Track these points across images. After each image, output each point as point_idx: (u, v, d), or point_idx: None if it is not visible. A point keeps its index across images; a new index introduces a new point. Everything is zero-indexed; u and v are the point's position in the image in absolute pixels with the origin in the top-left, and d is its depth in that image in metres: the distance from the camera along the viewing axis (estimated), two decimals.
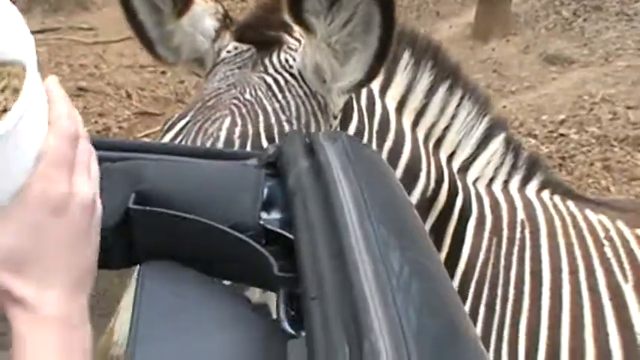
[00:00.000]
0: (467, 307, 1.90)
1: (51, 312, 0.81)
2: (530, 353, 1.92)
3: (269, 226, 0.94)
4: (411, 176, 1.90)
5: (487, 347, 1.88)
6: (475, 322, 1.90)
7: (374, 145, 1.83)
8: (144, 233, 0.92)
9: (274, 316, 0.84)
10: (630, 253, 2.03)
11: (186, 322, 0.84)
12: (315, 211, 0.88)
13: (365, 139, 1.80)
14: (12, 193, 0.81)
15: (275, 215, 0.96)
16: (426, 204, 1.91)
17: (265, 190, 0.98)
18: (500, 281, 1.95)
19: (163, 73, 8.42)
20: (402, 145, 1.90)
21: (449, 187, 1.95)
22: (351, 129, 1.79)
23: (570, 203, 2.12)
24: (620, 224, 2.08)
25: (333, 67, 1.67)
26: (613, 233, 2.06)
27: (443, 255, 1.93)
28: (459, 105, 2.01)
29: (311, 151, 1.00)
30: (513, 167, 2.12)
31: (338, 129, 1.74)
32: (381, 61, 1.65)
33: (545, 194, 2.12)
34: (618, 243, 2.04)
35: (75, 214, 0.85)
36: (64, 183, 0.83)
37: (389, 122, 1.90)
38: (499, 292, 1.95)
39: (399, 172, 1.88)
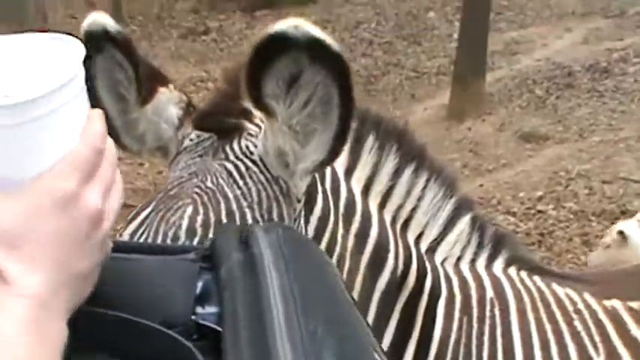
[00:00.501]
0: None
1: (31, 292, 0.81)
2: None
3: (201, 321, 0.93)
4: (379, 258, 1.89)
5: None
6: None
7: (340, 229, 1.83)
8: (74, 330, 0.91)
9: None
10: (599, 324, 2.03)
11: None
12: (243, 303, 0.87)
13: (331, 222, 1.80)
14: (31, 177, 0.83)
15: (210, 309, 0.94)
16: (395, 285, 1.90)
17: (200, 284, 0.97)
18: None
19: (141, 164, 8.41)
20: (369, 227, 1.89)
21: (418, 268, 1.94)
22: (316, 212, 1.78)
23: (537, 278, 2.11)
24: (587, 296, 2.08)
25: (295, 149, 1.66)
26: (581, 306, 2.06)
27: (415, 335, 1.91)
28: (425, 187, 2.00)
29: (245, 244, 1.00)
30: (479, 246, 2.11)
31: (303, 213, 1.74)
32: (343, 140, 1.62)
33: (512, 271, 2.11)
34: (587, 315, 2.04)
35: (76, 218, 0.85)
36: (74, 183, 0.85)
37: (355, 205, 1.89)
38: None
39: (366, 255, 1.88)
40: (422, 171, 2.00)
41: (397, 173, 1.97)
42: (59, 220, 0.84)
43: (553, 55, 12.51)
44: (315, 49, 1.48)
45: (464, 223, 2.08)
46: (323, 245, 1.78)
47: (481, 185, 8.45)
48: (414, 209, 2.01)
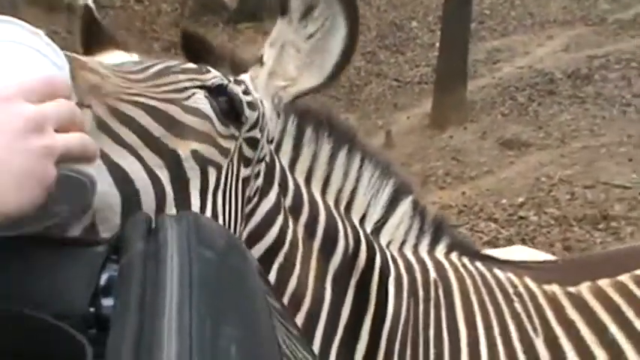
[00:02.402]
0: None
1: None
2: None
3: (102, 312, 0.90)
4: (331, 241, 1.92)
5: None
6: None
7: (290, 223, 1.86)
8: None
9: None
10: (538, 307, 2.06)
11: None
12: (137, 293, 0.84)
13: (280, 218, 1.83)
14: None
15: (111, 301, 0.92)
16: (348, 264, 1.93)
17: (105, 276, 0.94)
18: (421, 340, 1.96)
19: None
20: (317, 214, 1.93)
21: (367, 248, 1.98)
22: (265, 206, 1.81)
23: (479, 263, 2.15)
24: (528, 280, 2.12)
25: (296, 69, 1.78)
26: (521, 289, 2.09)
27: (370, 311, 1.94)
28: (360, 167, 2.05)
29: (152, 232, 0.97)
30: (421, 230, 2.14)
31: (257, 203, 1.79)
32: (341, 70, 1.75)
33: (454, 256, 2.15)
34: (527, 298, 2.08)
35: (12, 114, 0.91)
36: (13, 92, 0.93)
37: (301, 196, 1.92)
38: (421, 350, 1.95)
39: (318, 240, 1.91)
40: (355, 152, 2.04)
41: (333, 157, 2.01)
42: None
43: (535, 63, 12.64)
44: None
45: (405, 205, 2.12)
46: (271, 238, 1.82)
47: (463, 193, 8.49)
48: (353, 191, 2.05)
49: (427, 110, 10.72)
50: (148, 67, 1.56)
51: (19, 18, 1.08)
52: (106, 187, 1.32)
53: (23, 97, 0.93)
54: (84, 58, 1.45)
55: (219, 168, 1.57)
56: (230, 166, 1.62)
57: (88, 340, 0.85)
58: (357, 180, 2.04)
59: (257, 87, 1.77)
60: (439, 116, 10.44)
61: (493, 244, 6.96)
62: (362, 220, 2.05)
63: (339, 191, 2.03)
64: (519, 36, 14.08)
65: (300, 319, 1.85)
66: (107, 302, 0.91)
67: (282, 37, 1.77)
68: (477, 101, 11.09)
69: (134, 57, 1.72)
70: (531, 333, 2.02)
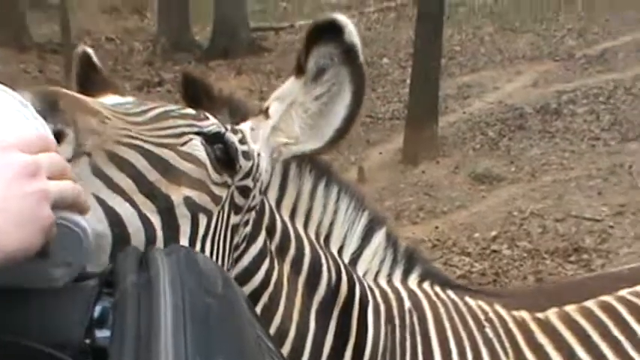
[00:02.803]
0: None
1: None
2: None
3: (97, 344, 0.93)
4: (315, 275, 1.96)
5: None
6: None
7: (275, 263, 1.89)
8: None
9: None
10: (509, 332, 2.12)
11: None
12: (132, 324, 0.87)
13: (267, 260, 1.87)
14: None
15: (106, 332, 0.94)
16: (330, 296, 1.97)
17: (99, 308, 0.97)
18: None
19: None
20: (302, 249, 1.96)
21: (347, 279, 2.01)
22: (253, 251, 1.85)
23: (450, 292, 2.19)
24: (498, 307, 2.17)
25: (300, 130, 1.82)
26: (492, 316, 2.14)
27: (352, 341, 1.98)
28: (337, 200, 2.08)
29: (143, 265, 1.00)
30: (394, 261, 2.18)
31: (244, 249, 1.82)
32: (343, 136, 1.82)
33: (427, 285, 2.19)
34: (497, 324, 2.13)
35: (9, 162, 0.93)
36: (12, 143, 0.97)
37: (288, 233, 1.95)
38: None
39: (303, 274, 1.94)
40: (332, 185, 2.08)
41: (313, 192, 2.05)
42: None
43: (504, 98, 12.73)
44: (351, 52, 1.73)
45: (380, 236, 2.16)
46: (257, 281, 1.86)
47: (436, 227, 8.51)
48: (331, 224, 2.08)
49: (399, 145, 10.75)
50: (147, 111, 1.59)
51: None
52: (100, 229, 1.37)
53: (19, 149, 0.96)
54: (86, 100, 1.48)
55: (209, 215, 1.61)
56: (221, 214, 1.66)
57: None
58: (335, 212, 2.08)
59: (257, 138, 1.81)
60: (411, 151, 10.47)
61: (466, 277, 7.00)
62: (339, 251, 2.09)
63: (319, 224, 2.06)
64: (489, 72, 14.19)
65: (285, 351, 1.87)
66: (101, 334, 0.94)
67: (293, 95, 1.82)
68: (448, 136, 11.15)
69: (129, 100, 1.72)
70: (503, 357, 2.08)
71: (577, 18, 16.86)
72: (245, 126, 1.82)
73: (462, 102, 12.79)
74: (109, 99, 1.68)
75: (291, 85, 1.82)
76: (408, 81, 11.10)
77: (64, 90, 1.45)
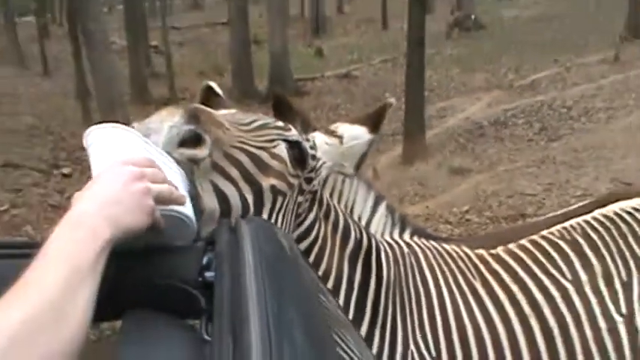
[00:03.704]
0: (390, 310, 1.99)
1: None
2: (433, 330, 2.01)
3: (206, 280, 0.96)
4: (347, 233, 1.99)
5: (404, 330, 1.98)
6: (395, 319, 1.99)
7: (323, 223, 1.94)
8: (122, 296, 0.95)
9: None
10: (474, 263, 2.15)
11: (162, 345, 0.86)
12: (227, 267, 0.90)
13: (317, 224, 1.92)
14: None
15: (211, 273, 0.97)
16: (357, 247, 1.99)
17: (206, 258, 1.01)
18: (405, 291, 2.03)
19: None
20: (338, 216, 2.00)
21: (366, 235, 2.04)
22: (311, 217, 1.90)
23: (432, 241, 2.21)
24: (464, 248, 2.20)
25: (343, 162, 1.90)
26: (462, 254, 2.17)
27: (373, 275, 1.99)
28: (356, 186, 2.11)
29: (233, 230, 1.04)
30: (393, 224, 2.19)
31: (305, 217, 1.87)
32: (361, 165, 1.92)
33: (416, 238, 2.20)
34: (465, 258, 2.16)
35: (122, 173, 0.96)
36: (125, 164, 1.00)
37: (330, 206, 1.99)
38: (405, 297, 2.02)
39: (339, 234, 1.98)
40: (353, 178, 2.09)
41: (343, 181, 2.08)
42: (115, 173, 0.96)
43: (470, 116, 12.66)
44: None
45: (382, 209, 2.17)
46: (311, 238, 1.91)
47: (427, 206, 8.46)
48: (354, 201, 2.11)
49: (399, 152, 10.73)
50: (252, 122, 1.62)
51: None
52: (212, 206, 1.41)
53: (132, 164, 1.00)
54: (217, 114, 1.52)
55: (284, 196, 1.65)
56: (292, 195, 1.70)
57: (200, 295, 0.92)
58: (356, 193, 2.11)
59: (328, 152, 1.87)
60: (408, 156, 10.44)
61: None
62: (359, 218, 2.12)
63: (347, 201, 2.09)
64: (458, 99, 14.10)
65: (329, 286, 1.92)
66: (208, 274, 0.98)
67: (359, 140, 1.89)
68: (433, 144, 11.10)
69: (236, 112, 1.74)
70: (472, 279, 2.11)
71: (513, 60, 16.70)
72: (319, 138, 1.87)
73: (441, 120, 12.73)
74: (224, 112, 1.69)
75: (361, 132, 1.88)
76: (403, 107, 11.04)
77: (204, 107, 1.50)
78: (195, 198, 1.29)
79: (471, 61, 17.38)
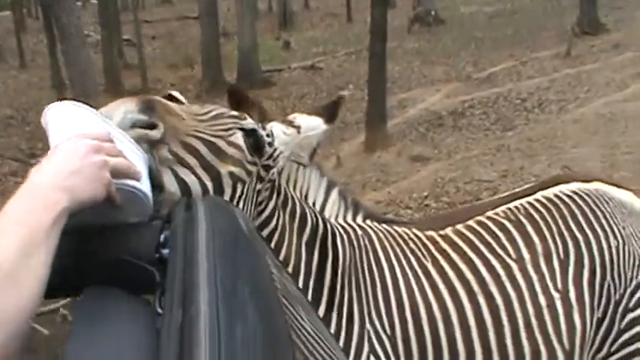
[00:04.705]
0: (346, 292, 1.99)
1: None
2: (387, 308, 2.03)
3: (162, 256, 0.95)
4: (304, 219, 1.99)
5: (360, 310, 1.99)
6: (351, 300, 1.99)
7: (282, 211, 1.94)
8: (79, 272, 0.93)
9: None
10: (425, 244, 2.16)
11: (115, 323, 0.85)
12: (181, 243, 0.89)
13: (277, 212, 1.92)
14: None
15: (167, 250, 0.96)
16: (314, 233, 1.99)
17: (163, 235, 0.99)
18: (360, 274, 2.03)
19: None
20: (295, 204, 1.99)
21: (322, 221, 2.03)
22: (270, 205, 1.90)
23: (384, 224, 2.21)
24: (415, 230, 2.21)
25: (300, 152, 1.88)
26: (412, 236, 2.18)
27: (329, 260, 2.00)
28: (310, 173, 2.09)
29: (189, 208, 1.03)
30: (346, 208, 2.18)
31: (265, 205, 1.87)
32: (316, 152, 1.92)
33: (369, 221, 2.19)
34: (416, 240, 2.17)
35: (80, 145, 0.95)
36: (81, 137, 0.99)
37: (287, 194, 1.98)
38: (360, 279, 2.02)
39: (296, 221, 1.97)
40: (308, 166, 2.08)
41: (297, 169, 2.05)
42: (72, 145, 0.95)
43: (429, 106, 12.70)
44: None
45: (334, 194, 2.17)
46: (272, 226, 1.91)
47: (389, 192, 8.50)
48: (308, 187, 2.09)
49: (362, 140, 10.75)
50: (209, 112, 1.62)
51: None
52: (172, 190, 1.42)
53: (90, 138, 1.00)
54: (172, 105, 1.51)
55: (244, 183, 1.66)
56: (251, 182, 1.70)
57: (155, 271, 0.91)
58: (309, 180, 2.09)
59: (285, 141, 1.85)
60: (370, 144, 10.45)
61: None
62: (313, 204, 2.11)
63: (302, 187, 2.08)
64: (418, 90, 14.15)
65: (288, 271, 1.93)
66: (165, 251, 0.97)
67: (316, 130, 1.88)
68: (394, 133, 11.12)
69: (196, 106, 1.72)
70: (423, 260, 2.13)
71: (472, 54, 16.82)
72: (277, 128, 1.85)
73: (402, 110, 12.76)
74: (185, 106, 1.68)
75: (318, 123, 1.88)
76: (366, 98, 11.06)
77: (159, 98, 1.51)
78: (155, 177, 1.28)
79: (431, 54, 17.46)
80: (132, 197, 1.06)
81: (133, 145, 1.24)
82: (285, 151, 1.85)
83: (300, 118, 1.90)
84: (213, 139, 1.55)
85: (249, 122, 1.69)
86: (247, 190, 1.70)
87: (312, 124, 1.88)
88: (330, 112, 1.92)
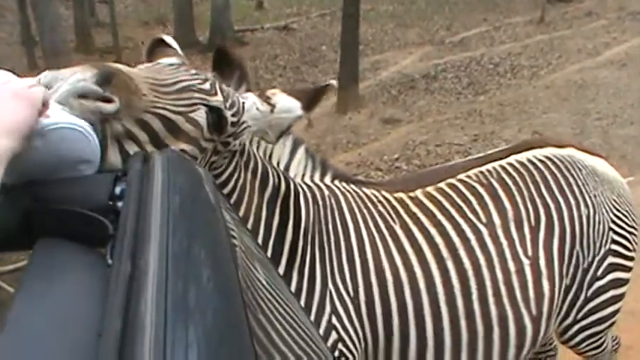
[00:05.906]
0: (309, 251, 1.96)
1: None
2: (352, 270, 2.01)
3: (116, 208, 0.92)
4: (265, 178, 1.93)
5: (323, 269, 1.97)
6: (313, 259, 1.96)
7: (243, 170, 1.87)
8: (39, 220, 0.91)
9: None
10: (393, 207, 2.13)
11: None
12: (135, 195, 0.87)
13: (237, 172, 1.85)
14: None
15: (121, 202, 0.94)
16: (276, 192, 1.94)
17: (119, 188, 0.96)
18: (324, 232, 2.00)
19: None
20: (257, 163, 1.92)
21: (285, 179, 1.99)
22: (231, 165, 1.83)
23: (352, 185, 2.17)
24: (383, 192, 2.18)
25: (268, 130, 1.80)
26: (381, 198, 2.15)
27: (291, 219, 1.96)
28: None
29: (146, 160, 1.00)
30: (313, 167, 2.14)
31: (224, 168, 1.80)
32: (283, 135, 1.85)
33: (337, 181, 2.16)
34: (385, 202, 2.14)
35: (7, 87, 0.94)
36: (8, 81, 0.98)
37: (250, 154, 1.91)
38: (325, 239, 1.99)
39: (258, 180, 1.91)
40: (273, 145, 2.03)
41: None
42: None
43: (402, 69, 12.64)
44: None
45: (300, 152, 2.12)
46: (231, 185, 1.84)
47: (360, 153, 8.53)
48: (272, 147, 2.04)
49: (334, 102, 10.70)
50: (177, 82, 1.51)
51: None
52: (112, 161, 1.33)
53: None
54: (131, 79, 1.39)
55: (195, 159, 1.56)
56: (203, 158, 1.62)
57: (108, 222, 0.88)
58: None
59: (257, 117, 1.76)
60: (342, 106, 10.41)
61: None
62: (278, 163, 2.07)
63: (265, 147, 2.03)
64: (391, 53, 14.06)
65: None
66: (119, 202, 0.93)
67: (291, 113, 1.79)
68: (365, 95, 11.09)
69: (175, 62, 1.64)
70: (391, 222, 2.10)
71: (445, 18, 16.74)
72: (251, 100, 1.76)
73: (374, 72, 12.68)
74: (164, 60, 1.61)
75: (294, 107, 1.78)
76: (339, 60, 10.98)
77: (121, 69, 1.38)
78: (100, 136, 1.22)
79: (404, 17, 17.33)
80: (78, 137, 1.03)
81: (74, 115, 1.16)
82: (254, 126, 1.76)
83: (279, 96, 1.79)
84: (171, 115, 1.45)
85: (217, 99, 1.59)
86: (199, 163, 1.62)
87: (288, 106, 1.78)
88: (310, 99, 1.81)
